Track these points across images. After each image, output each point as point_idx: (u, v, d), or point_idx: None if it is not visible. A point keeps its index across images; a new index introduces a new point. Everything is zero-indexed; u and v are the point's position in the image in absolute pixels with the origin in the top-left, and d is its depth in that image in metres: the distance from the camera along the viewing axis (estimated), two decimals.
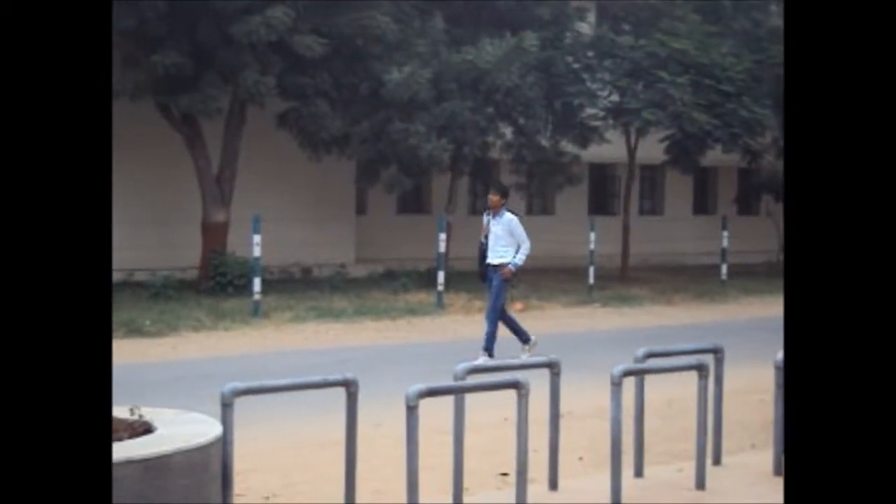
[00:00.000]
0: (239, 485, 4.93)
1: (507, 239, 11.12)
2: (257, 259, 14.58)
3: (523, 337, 11.41)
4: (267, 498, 5.99)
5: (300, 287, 17.25)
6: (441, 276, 16.21)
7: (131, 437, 4.13)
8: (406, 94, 15.84)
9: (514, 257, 11.07)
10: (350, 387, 5.25)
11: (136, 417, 4.36)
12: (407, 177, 17.85)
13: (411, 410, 4.87)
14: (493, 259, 11.18)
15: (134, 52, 15.10)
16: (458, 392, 5.51)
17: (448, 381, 5.92)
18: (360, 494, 5.38)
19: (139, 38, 14.87)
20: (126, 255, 16.27)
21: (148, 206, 17.91)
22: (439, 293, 16.21)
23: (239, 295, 15.46)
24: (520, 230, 11.13)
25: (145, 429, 4.25)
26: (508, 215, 11.19)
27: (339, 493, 5.41)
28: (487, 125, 18.14)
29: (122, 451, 3.86)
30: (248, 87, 15.04)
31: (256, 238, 14.51)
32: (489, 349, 11.02)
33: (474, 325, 14.71)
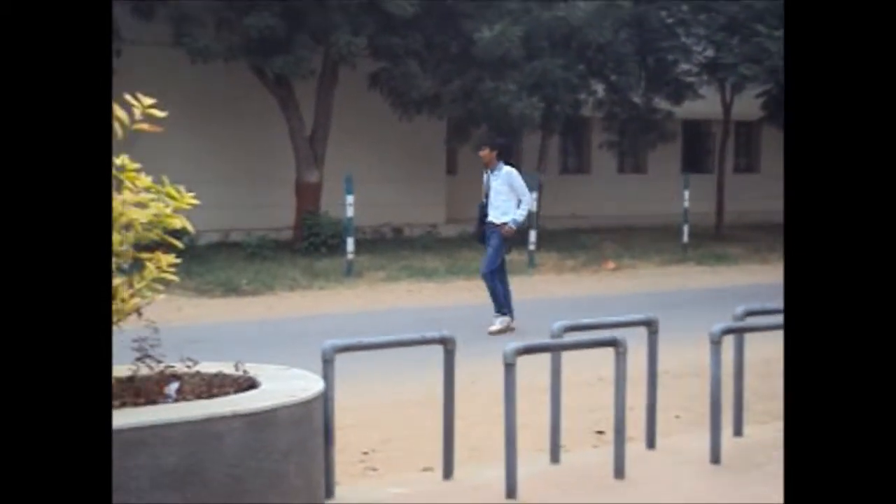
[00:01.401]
0: (339, 440, 5.01)
1: (507, 194, 10.44)
2: (350, 219, 14.72)
3: (502, 308, 10.58)
4: (366, 453, 6.08)
5: (392, 247, 17.38)
6: (532, 235, 16.16)
7: (237, 391, 4.22)
8: (497, 52, 15.74)
9: (516, 213, 10.40)
10: (448, 344, 5.28)
11: (240, 373, 4.45)
12: (498, 136, 17.76)
13: (509, 368, 4.88)
14: (494, 217, 10.50)
15: (228, 14, 15.26)
16: (556, 350, 5.50)
17: (539, 339, 5.91)
18: (458, 451, 5.42)
19: (233, 1, 15.02)
20: (222, 215, 16.59)
21: (242, 167, 18.17)
22: (531, 252, 16.18)
23: (332, 255, 15.64)
24: (520, 182, 10.49)
25: (250, 384, 4.34)
26: (506, 168, 10.53)
27: (436, 450, 5.46)
28: (579, 82, 17.95)
29: (229, 405, 3.95)
30: (340, 48, 15.10)
31: (349, 198, 14.64)
32: (501, 310, 10.50)
33: (566, 285, 14.68)
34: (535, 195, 16.36)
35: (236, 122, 18.00)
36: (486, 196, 10.64)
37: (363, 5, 15.15)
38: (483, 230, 10.75)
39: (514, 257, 16.60)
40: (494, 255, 10.54)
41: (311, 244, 16.23)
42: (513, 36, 15.68)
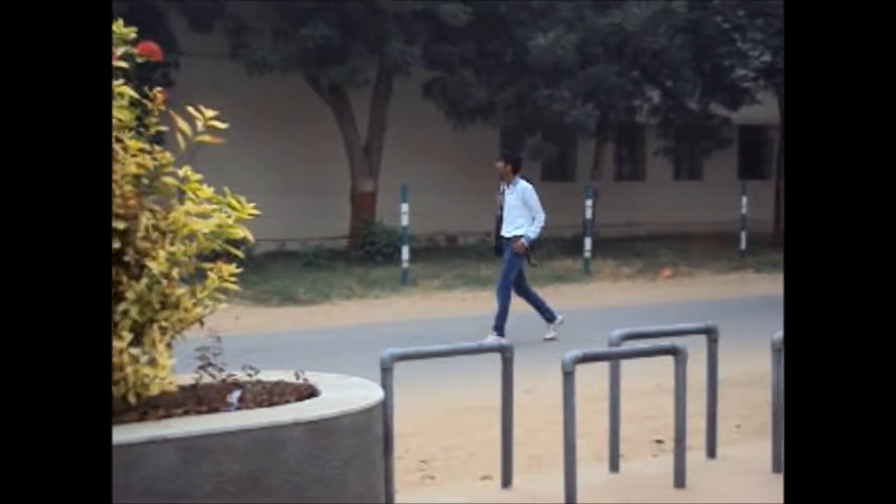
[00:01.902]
0: (398, 448, 5.02)
1: (521, 209, 10.34)
2: (405, 228, 14.78)
3: (547, 315, 10.71)
4: (424, 462, 6.09)
5: (446, 255, 17.42)
6: (588, 242, 16.10)
7: (297, 400, 4.24)
8: (551, 59, 15.72)
9: (528, 230, 10.31)
10: (506, 353, 5.27)
11: (301, 381, 4.48)
12: (552, 144, 17.77)
13: (567, 376, 4.86)
14: (507, 231, 10.42)
15: (284, 25, 15.42)
16: (615, 358, 5.47)
17: (596, 348, 5.88)
18: (516, 460, 5.41)
19: (289, 12, 15.17)
20: (278, 224, 16.73)
21: (298, 176, 18.33)
22: (586, 260, 16.12)
23: (387, 263, 15.71)
24: (534, 200, 10.33)
25: (310, 392, 4.36)
26: (522, 184, 10.41)
27: (494, 459, 5.46)
28: (634, 89, 17.89)
29: (291, 413, 3.97)
30: (395, 58, 15.19)
31: (404, 207, 14.70)
32: (499, 328, 10.36)
33: (622, 292, 14.59)
34: (589, 203, 16.31)
35: (292, 132, 18.16)
36: (501, 209, 10.57)
37: (417, 14, 15.22)
38: (500, 244, 10.69)
39: (569, 265, 16.61)
40: (508, 271, 10.49)
41: (367, 253, 16.32)
42: (567, 43, 15.65)
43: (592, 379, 6.01)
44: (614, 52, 17.07)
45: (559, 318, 10.73)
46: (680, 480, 5.25)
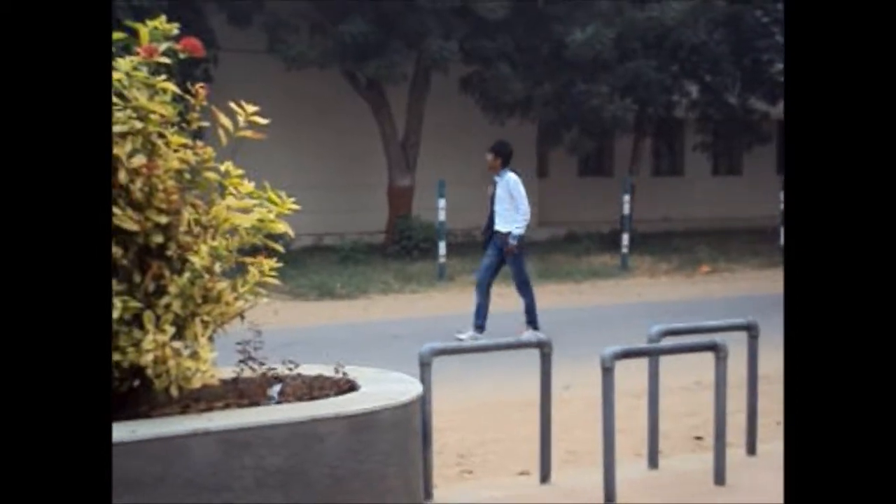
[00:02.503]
0: (435, 442, 5.03)
1: (509, 202, 10.05)
2: (442, 223, 14.78)
3: (479, 322, 10.20)
4: (462, 456, 6.10)
5: (482, 250, 17.34)
6: (625, 238, 16.03)
7: (337, 394, 4.27)
8: (589, 54, 15.66)
9: (513, 228, 10.00)
10: (544, 348, 5.27)
11: (340, 375, 4.50)
12: (589, 138, 17.70)
13: (607, 372, 4.84)
14: (499, 225, 10.13)
15: (321, 21, 15.47)
16: (654, 354, 5.45)
17: (634, 344, 5.85)
18: (554, 455, 5.40)
19: (327, 7, 15.22)
20: (315, 219, 16.79)
21: (335, 171, 18.39)
22: (623, 255, 16.05)
23: (424, 258, 15.72)
24: (519, 191, 10.02)
25: (349, 386, 4.38)
26: (509, 175, 10.13)
27: (532, 454, 5.45)
28: (672, 84, 17.78)
29: (331, 407, 3.99)
30: (432, 53, 15.19)
31: (441, 202, 14.71)
32: (532, 322, 10.21)
33: (660, 288, 14.52)
34: (627, 198, 16.23)
35: (329, 127, 18.23)
36: (492, 203, 10.29)
37: (455, 9, 15.21)
38: (489, 238, 10.37)
39: (606, 261, 16.53)
40: (517, 269, 10.25)
41: (404, 248, 16.35)
42: (605, 38, 15.58)
43: (631, 375, 5.98)
44: (653, 46, 16.96)
45: (481, 334, 10.08)
46: (720, 477, 5.22)
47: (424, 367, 4.83)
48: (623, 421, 5.74)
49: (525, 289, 10.33)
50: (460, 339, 9.58)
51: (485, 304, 10.29)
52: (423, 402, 4.57)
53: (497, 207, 10.17)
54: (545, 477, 5.28)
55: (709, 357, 5.25)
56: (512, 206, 10.04)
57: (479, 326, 10.20)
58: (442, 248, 14.72)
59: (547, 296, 13.80)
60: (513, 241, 10.02)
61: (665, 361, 5.65)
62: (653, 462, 5.57)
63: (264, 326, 4.36)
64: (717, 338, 5.32)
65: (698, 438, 6.36)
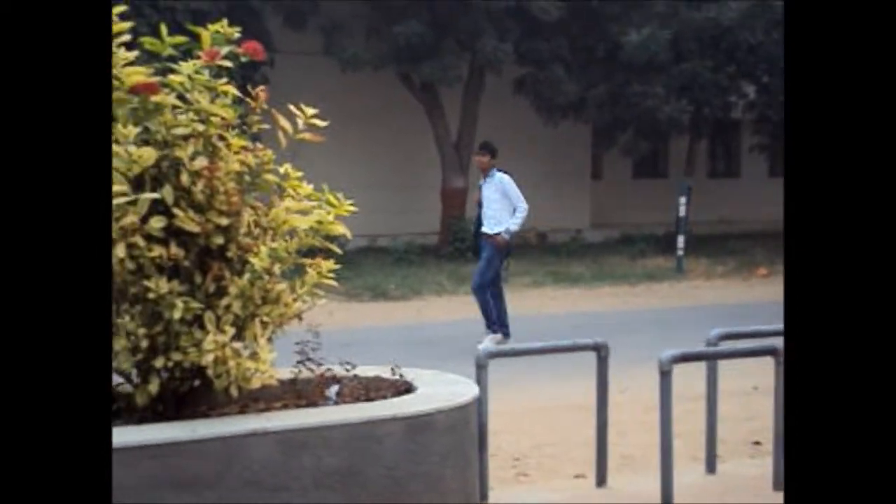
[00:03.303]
0: (490, 445, 5.03)
1: (501, 202, 9.75)
2: None
3: (492, 325, 9.89)
4: (517, 459, 6.08)
5: (536, 252, 17.36)
6: (681, 240, 15.89)
7: (394, 395, 4.28)
8: (644, 55, 15.56)
9: (509, 222, 9.72)
10: (601, 351, 5.24)
11: (397, 377, 4.52)
12: (644, 140, 17.58)
13: (664, 376, 4.80)
14: (487, 227, 9.84)
15: (376, 23, 15.53)
16: (713, 358, 5.40)
17: (690, 347, 5.80)
18: (609, 458, 5.36)
19: (381, 10, 15.28)
20: (369, 220, 16.78)
21: (389, 172, 18.45)
22: (679, 258, 15.91)
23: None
24: (513, 190, 9.74)
25: (406, 388, 4.39)
26: (500, 175, 9.83)
27: (588, 457, 5.43)
28: (729, 85, 17.58)
29: (388, 408, 4.01)
30: (487, 54, 15.20)
31: None
32: (500, 325, 9.82)
33: (716, 291, 14.37)
34: (683, 200, 16.09)
35: (383, 128, 18.30)
36: (480, 205, 10.03)
37: (509, 11, 15.20)
38: (478, 243, 10.13)
39: (661, 263, 16.41)
40: (485, 268, 9.86)
41: (457, 249, 16.36)
42: (661, 39, 15.46)
43: (688, 378, 5.93)
44: (709, 47, 16.80)
45: (503, 338, 9.80)
46: (779, 482, 5.15)
47: (481, 369, 4.83)
48: (680, 425, 5.69)
49: (480, 292, 9.90)
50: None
51: (498, 305, 10.02)
52: (480, 404, 4.56)
53: (486, 210, 9.90)
54: (601, 480, 5.25)
55: (767, 361, 5.18)
56: (503, 207, 9.77)
57: (492, 329, 9.91)
58: None
59: (602, 298, 13.76)
60: (505, 236, 9.72)
61: (723, 365, 5.59)
62: (710, 467, 5.51)
63: (320, 327, 4.38)
64: (777, 342, 5.25)
65: (756, 443, 6.29)
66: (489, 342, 9.49)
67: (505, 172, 10.00)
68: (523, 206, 9.76)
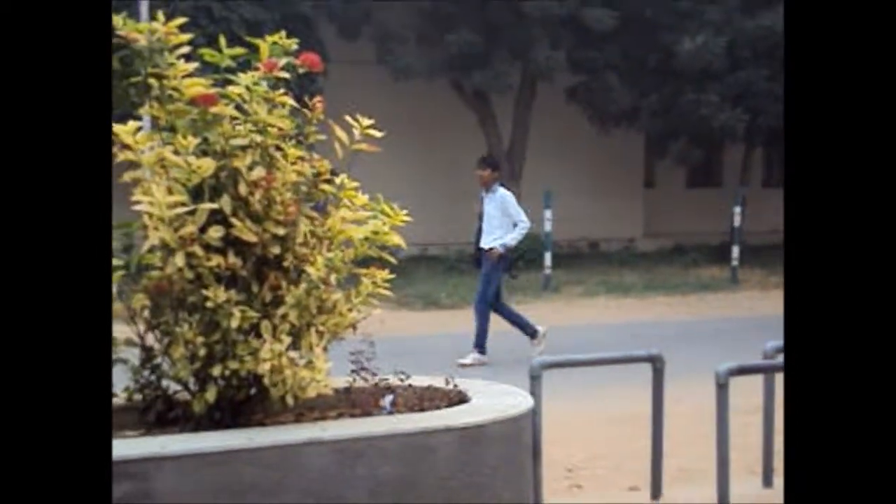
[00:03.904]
0: (544, 456, 4.99)
1: (500, 219, 9.62)
2: (548, 234, 14.72)
3: (528, 330, 9.80)
4: (570, 470, 6.04)
5: (588, 261, 17.28)
6: (735, 250, 15.73)
7: (448, 405, 4.28)
8: (698, 64, 15.45)
9: (507, 237, 9.58)
10: (656, 362, 5.20)
11: (450, 387, 4.51)
12: (698, 149, 17.44)
13: (721, 388, 4.76)
14: (486, 242, 9.68)
15: (428, 32, 15.58)
16: (770, 370, 5.33)
17: (745, 359, 5.72)
18: (664, 471, 5.32)
19: (433, 19, 15.32)
20: (420, 229, 16.81)
21: (440, 181, 18.48)
22: (733, 268, 15.75)
23: (529, 269, 15.66)
24: (514, 207, 9.59)
25: (460, 398, 4.39)
26: (501, 191, 9.70)
27: (642, 469, 5.38)
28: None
29: (442, 419, 4.00)
30: (539, 63, 15.18)
31: (547, 213, 14.66)
32: (479, 345, 9.60)
33: (772, 302, 14.18)
34: (738, 209, 15.93)
35: (435, 137, 18.33)
36: (480, 219, 9.89)
37: (562, 19, 15.17)
38: (479, 257, 9.94)
39: (715, 273, 16.24)
40: (485, 286, 9.73)
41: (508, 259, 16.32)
42: (716, 47, 15.34)
43: (744, 390, 5.85)
44: (764, 55, 16.62)
45: (541, 330, 9.83)
46: None
47: (534, 380, 4.81)
48: (736, 437, 5.62)
49: (482, 311, 9.74)
50: (463, 365, 9.19)
51: (520, 319, 9.92)
52: (534, 415, 4.55)
53: (485, 225, 9.78)
54: (656, 493, 5.21)
55: None
56: (502, 224, 9.65)
57: (532, 335, 9.79)
58: (548, 259, 14.66)
59: (655, 308, 13.65)
60: (500, 249, 9.58)
61: (780, 378, 5.52)
62: (767, 480, 5.45)
63: (373, 336, 4.39)
64: None
65: None
66: (470, 359, 9.42)
67: (507, 188, 10.00)
68: (524, 223, 9.64)
